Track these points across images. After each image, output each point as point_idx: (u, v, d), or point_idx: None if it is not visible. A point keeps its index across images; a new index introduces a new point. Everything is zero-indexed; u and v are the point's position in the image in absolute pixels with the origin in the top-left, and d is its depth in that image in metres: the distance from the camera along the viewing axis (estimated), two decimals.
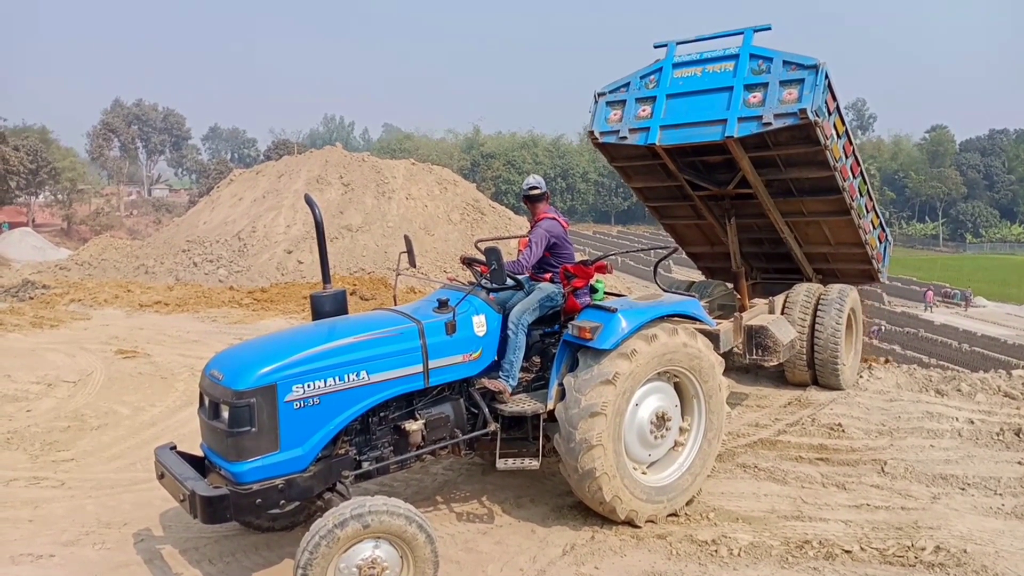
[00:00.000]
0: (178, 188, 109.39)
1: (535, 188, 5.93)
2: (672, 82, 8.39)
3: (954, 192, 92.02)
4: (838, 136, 8.38)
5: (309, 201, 5.16)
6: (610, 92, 8.84)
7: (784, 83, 7.64)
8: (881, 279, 10.54)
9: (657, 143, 8.26)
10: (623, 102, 8.67)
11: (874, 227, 10.06)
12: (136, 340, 12.60)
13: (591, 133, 8.85)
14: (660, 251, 6.65)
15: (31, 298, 17.28)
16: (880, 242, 10.41)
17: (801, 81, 7.53)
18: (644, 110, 8.47)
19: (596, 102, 8.90)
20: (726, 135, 7.77)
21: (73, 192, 72.62)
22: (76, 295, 17.40)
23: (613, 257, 6.57)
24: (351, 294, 17.34)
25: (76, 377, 10.08)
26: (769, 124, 7.60)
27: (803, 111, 7.39)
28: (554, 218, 5.86)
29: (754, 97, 7.75)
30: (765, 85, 7.73)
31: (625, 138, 8.53)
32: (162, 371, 10.48)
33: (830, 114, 8.01)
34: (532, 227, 5.87)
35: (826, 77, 7.62)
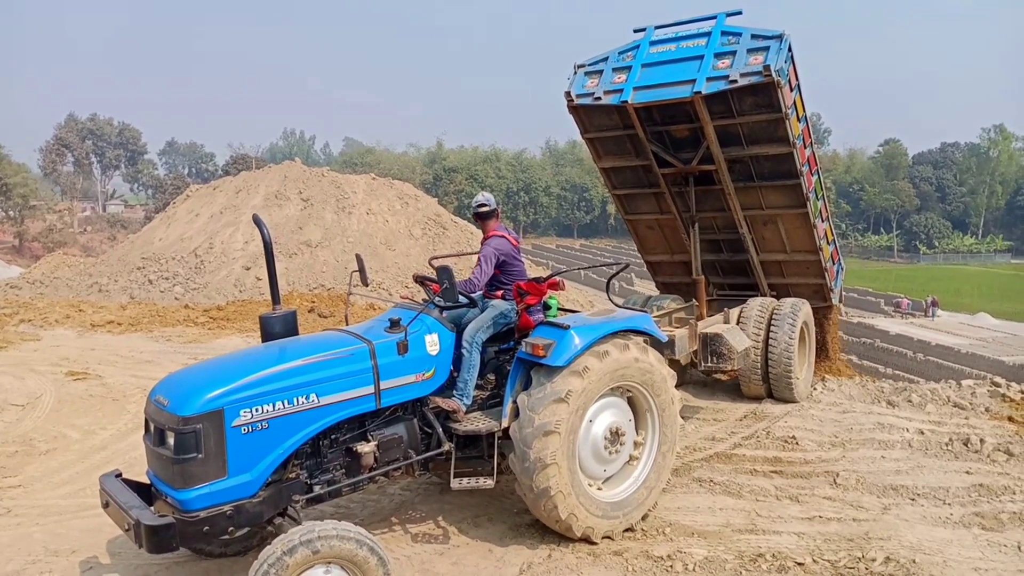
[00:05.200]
0: (134, 204, 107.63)
1: (484, 205, 5.94)
2: (648, 55, 8.82)
3: (907, 204, 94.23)
4: (798, 118, 8.80)
5: (257, 221, 5.11)
6: (589, 64, 9.23)
7: (751, 51, 8.12)
8: (832, 299, 10.75)
9: (629, 101, 8.59)
10: (600, 72, 9.06)
11: (828, 240, 10.30)
12: (87, 361, 12.34)
13: (567, 94, 9.14)
14: (613, 267, 6.71)
15: None
16: (834, 261, 10.65)
17: (767, 48, 8.02)
18: (619, 77, 8.87)
19: (575, 73, 9.25)
20: (694, 91, 8.14)
21: (25, 208, 70.98)
22: (26, 315, 16.99)
23: (576, 271, 6.65)
24: (310, 311, 17.20)
25: (25, 400, 9.83)
26: (735, 81, 8.00)
27: (767, 67, 7.82)
28: (503, 235, 5.88)
29: (723, 63, 8.21)
30: (733, 53, 8.20)
31: (599, 99, 8.86)
32: (114, 393, 10.27)
33: (792, 89, 8.47)
34: (482, 245, 5.89)
35: (789, 48, 8.10)
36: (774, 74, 7.79)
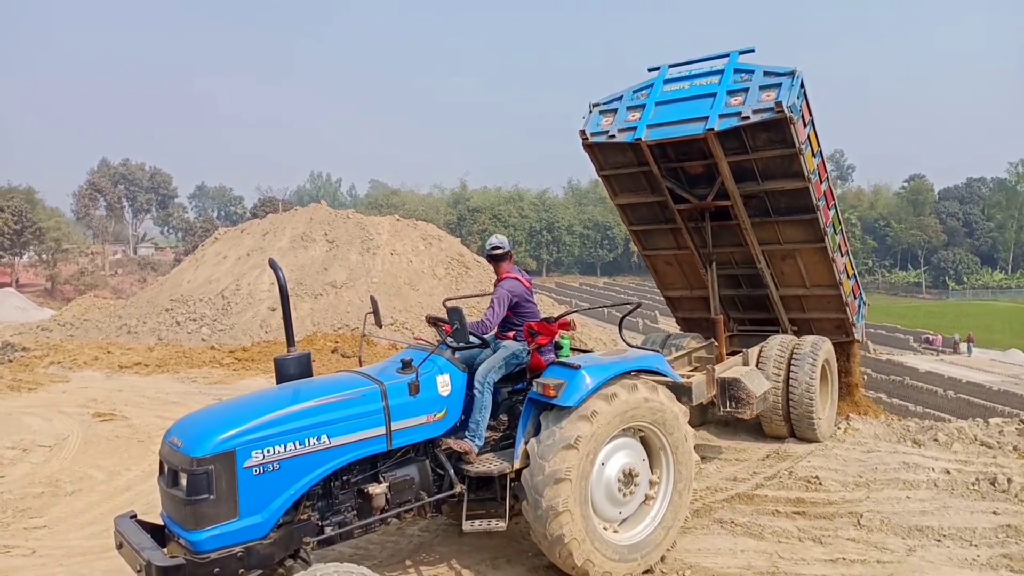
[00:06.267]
0: (164, 247, 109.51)
1: (498, 248, 6.01)
2: (662, 94, 8.91)
3: (934, 240, 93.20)
4: (813, 153, 8.82)
5: (273, 266, 5.19)
6: (604, 103, 9.34)
7: (763, 87, 8.16)
8: (856, 334, 10.64)
9: (643, 138, 8.66)
10: (615, 110, 9.16)
11: (849, 275, 10.24)
12: (114, 402, 12.51)
13: (582, 132, 9.25)
14: (625, 307, 6.72)
15: (10, 361, 17.16)
16: (855, 295, 10.56)
17: (779, 85, 8.06)
18: (633, 115, 8.95)
19: (590, 112, 9.36)
20: (707, 128, 8.19)
21: (58, 252, 72.48)
22: (56, 357, 17.31)
23: (598, 309, 6.65)
24: (333, 351, 17.31)
25: (52, 441, 9.98)
26: (747, 118, 8.04)
27: (779, 104, 7.85)
28: (516, 278, 5.92)
29: (735, 100, 8.25)
30: (746, 90, 8.24)
31: (613, 136, 8.95)
32: (139, 434, 10.40)
33: (805, 125, 8.50)
34: (495, 287, 5.93)
35: (802, 85, 8.14)
36: (786, 110, 7.82)
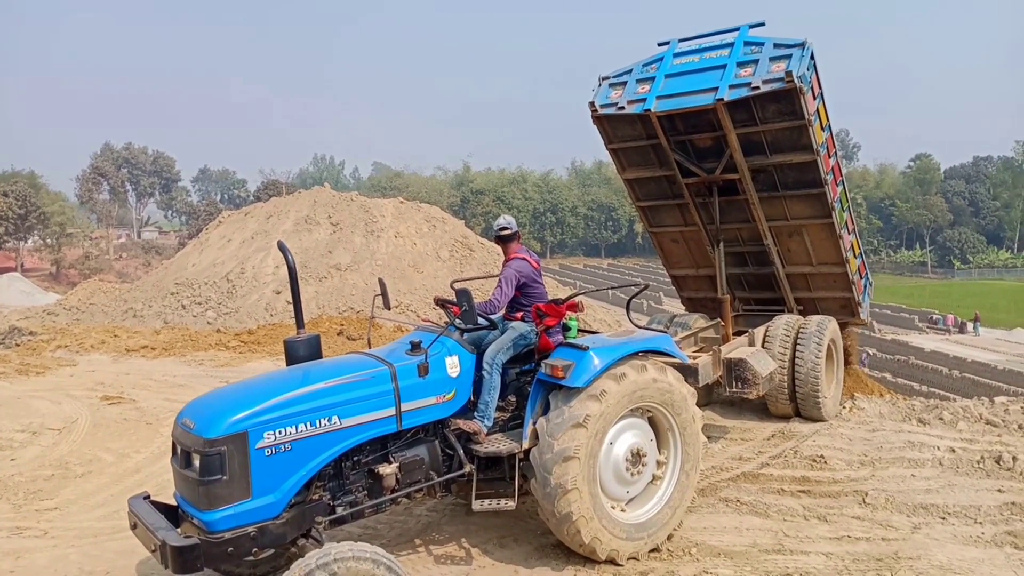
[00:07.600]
0: (168, 230, 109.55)
1: (505, 229, 6.01)
2: (672, 66, 8.95)
3: (940, 219, 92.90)
4: (822, 126, 8.82)
5: (282, 248, 5.21)
6: (613, 76, 9.37)
7: (773, 59, 8.19)
8: (862, 314, 10.64)
9: (652, 110, 8.68)
10: (624, 83, 9.18)
11: (855, 253, 10.23)
12: (122, 386, 12.55)
13: (591, 104, 9.25)
14: (633, 288, 6.74)
15: (17, 345, 17.22)
16: (861, 275, 10.55)
17: (789, 56, 8.08)
18: (643, 87, 8.97)
19: (600, 85, 9.38)
20: (717, 98, 8.20)
21: (62, 236, 72.62)
22: (62, 341, 17.33)
23: (604, 291, 6.68)
24: (339, 334, 17.35)
25: (61, 424, 10.02)
26: (757, 88, 8.05)
27: (789, 73, 7.85)
28: (524, 258, 5.93)
29: (745, 71, 8.28)
30: (756, 62, 8.28)
31: (623, 108, 8.96)
32: (147, 417, 10.44)
33: (815, 97, 8.51)
34: (503, 267, 5.94)
35: (812, 56, 8.17)
36: (796, 80, 7.81)
